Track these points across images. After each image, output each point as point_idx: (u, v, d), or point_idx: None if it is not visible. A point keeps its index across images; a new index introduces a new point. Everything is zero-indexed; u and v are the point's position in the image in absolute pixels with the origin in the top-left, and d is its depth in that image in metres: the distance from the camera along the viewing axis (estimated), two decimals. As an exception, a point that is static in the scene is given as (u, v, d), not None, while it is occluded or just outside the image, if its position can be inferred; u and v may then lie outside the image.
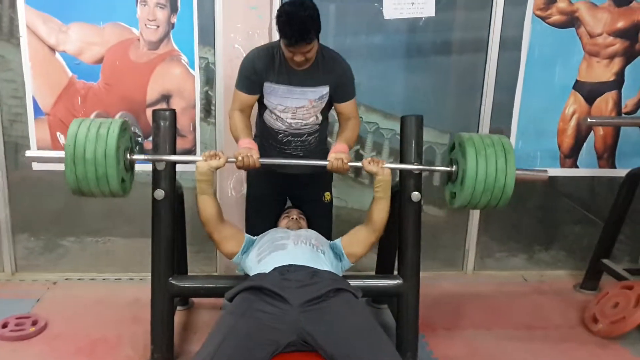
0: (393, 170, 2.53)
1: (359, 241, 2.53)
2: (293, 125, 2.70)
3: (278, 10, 2.41)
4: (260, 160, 2.52)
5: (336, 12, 3.44)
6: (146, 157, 2.54)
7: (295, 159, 2.76)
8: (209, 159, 2.42)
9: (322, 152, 2.81)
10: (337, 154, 2.52)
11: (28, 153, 2.59)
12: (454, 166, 2.54)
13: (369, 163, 2.48)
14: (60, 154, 2.33)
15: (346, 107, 2.71)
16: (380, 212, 2.51)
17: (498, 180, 2.37)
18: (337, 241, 2.56)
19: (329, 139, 3.08)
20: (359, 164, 2.52)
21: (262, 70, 2.60)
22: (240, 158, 2.48)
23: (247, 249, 2.48)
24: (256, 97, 2.67)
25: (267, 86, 2.62)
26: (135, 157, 2.48)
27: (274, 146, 2.77)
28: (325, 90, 2.64)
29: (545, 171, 2.58)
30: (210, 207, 2.45)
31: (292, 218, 2.74)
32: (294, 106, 2.65)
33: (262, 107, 2.74)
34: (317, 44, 2.50)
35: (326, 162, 2.53)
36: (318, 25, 2.42)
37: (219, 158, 2.43)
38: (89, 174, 2.29)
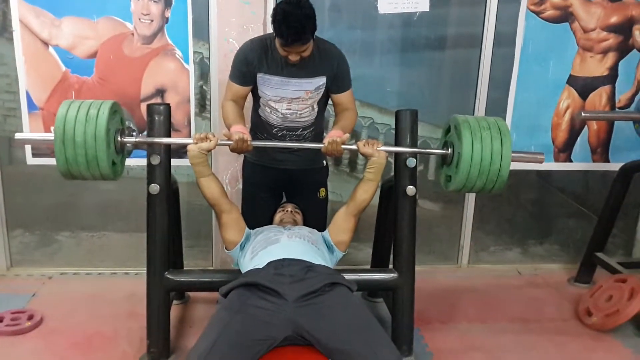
0: (387, 152, 2.51)
1: (341, 227, 2.51)
2: (288, 117, 2.69)
3: (274, 9, 2.39)
4: (253, 143, 2.50)
5: (331, 6, 3.43)
6: (137, 139, 2.49)
7: (290, 153, 2.75)
8: (200, 142, 2.40)
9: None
10: (332, 138, 2.51)
11: (17, 135, 2.51)
12: (449, 149, 2.51)
13: (364, 145, 2.46)
14: (50, 135, 2.29)
15: (343, 97, 2.71)
16: (365, 193, 2.48)
17: (494, 163, 2.34)
18: (325, 233, 2.55)
19: (324, 133, 3.08)
20: (353, 146, 2.50)
21: (255, 62, 2.59)
22: (234, 139, 2.46)
23: (244, 245, 2.47)
24: (249, 88, 2.67)
25: (260, 77, 2.62)
26: (126, 139, 2.43)
27: (269, 140, 2.77)
28: (321, 81, 2.64)
29: (541, 154, 2.55)
30: (214, 187, 2.44)
31: (287, 211, 2.73)
32: (289, 97, 2.64)
33: (257, 101, 2.73)
34: (312, 43, 2.49)
35: (321, 145, 2.52)
36: (314, 25, 2.40)
37: (210, 140, 2.41)
38: (79, 157, 2.25)
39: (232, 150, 2.51)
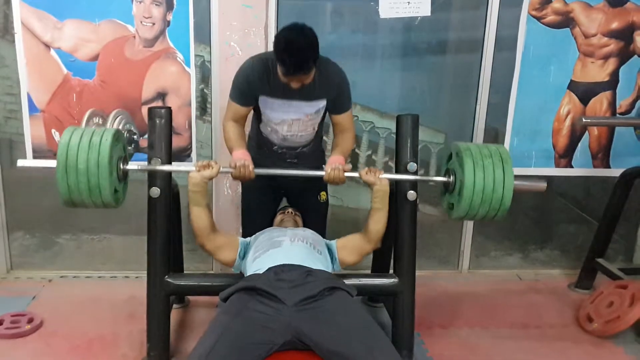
0: (389, 180, 2.51)
1: (353, 248, 2.51)
2: (288, 137, 2.69)
3: (276, 37, 2.35)
4: (255, 170, 2.51)
5: (332, 10, 3.44)
6: (139, 167, 2.50)
7: (290, 166, 2.75)
8: (202, 169, 2.39)
9: (317, 158, 2.84)
10: (334, 165, 2.52)
11: (20, 163, 2.52)
12: (451, 177, 2.50)
13: (366, 173, 2.47)
14: (52, 162, 2.29)
15: (342, 118, 2.68)
16: (377, 223, 2.48)
17: (496, 191, 2.33)
18: (333, 243, 2.54)
19: (324, 137, 3.08)
20: (355, 174, 2.50)
21: (257, 84, 2.55)
22: (236, 167, 2.47)
23: (245, 253, 2.47)
24: (250, 108, 2.64)
25: (262, 99, 2.59)
26: (129, 167, 2.45)
27: (269, 154, 2.77)
28: (322, 103, 2.62)
29: (544, 181, 2.54)
30: (203, 219, 2.41)
31: (288, 212, 2.74)
32: (290, 119, 2.63)
33: (258, 117, 2.72)
34: (314, 71, 2.44)
35: (322, 173, 2.52)
36: (317, 54, 2.35)
37: (212, 168, 2.40)
38: (81, 184, 2.26)
39: (235, 178, 2.51)
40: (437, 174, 3.75)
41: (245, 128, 2.72)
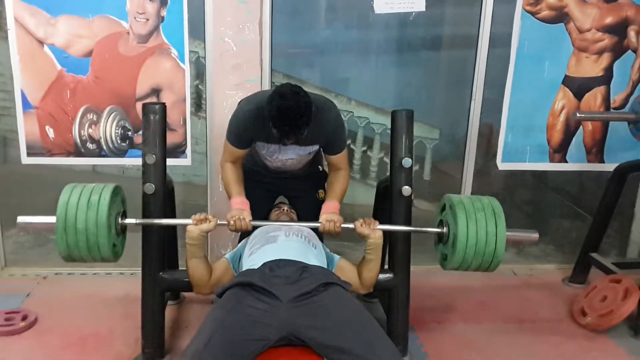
0: (385, 231, 2.49)
1: (350, 276, 2.44)
2: (282, 167, 2.73)
3: (269, 103, 2.29)
4: (253, 223, 2.51)
5: (327, 6, 3.43)
6: (137, 221, 2.51)
7: (286, 180, 2.80)
8: (199, 223, 2.38)
9: (314, 174, 2.86)
10: (329, 216, 2.53)
11: (20, 219, 2.47)
12: (444, 228, 2.51)
13: (361, 225, 2.46)
14: (52, 219, 2.31)
15: (337, 158, 2.67)
16: (371, 272, 2.47)
17: (489, 245, 2.36)
18: (336, 258, 2.50)
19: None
20: (351, 225, 2.49)
21: (253, 132, 2.55)
22: (232, 222, 2.48)
23: (239, 260, 2.45)
24: (247, 150, 2.64)
25: (258, 143, 2.61)
26: (127, 221, 2.46)
27: (264, 171, 2.80)
28: (315, 147, 2.64)
29: (535, 232, 2.56)
30: (201, 271, 2.38)
31: (283, 210, 2.74)
32: (284, 158, 2.66)
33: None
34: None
35: (318, 224, 2.53)
36: (310, 118, 2.32)
37: (209, 221, 2.39)
38: (80, 243, 2.30)
39: (232, 231, 2.53)
40: (432, 170, 3.79)
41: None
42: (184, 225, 2.40)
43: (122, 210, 2.48)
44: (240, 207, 2.54)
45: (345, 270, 2.45)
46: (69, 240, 2.30)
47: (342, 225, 2.52)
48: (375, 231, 2.44)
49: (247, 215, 2.51)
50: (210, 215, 2.41)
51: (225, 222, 2.49)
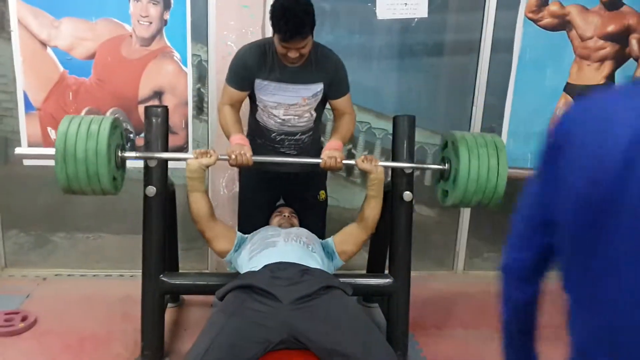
0: (386, 167, 2.55)
1: (350, 239, 2.54)
2: (286, 122, 2.68)
3: (272, 5, 2.38)
4: (253, 158, 2.51)
5: (330, 11, 3.44)
6: (137, 154, 2.53)
7: (288, 156, 2.76)
8: (200, 157, 2.42)
9: (316, 150, 2.80)
10: (331, 152, 2.53)
11: (17, 150, 2.53)
12: (446, 164, 2.54)
13: (363, 161, 2.50)
14: (50, 150, 2.30)
15: (341, 102, 2.70)
16: (373, 210, 2.52)
17: (490, 179, 2.38)
18: (329, 240, 2.56)
19: (322, 138, 3.08)
20: (352, 162, 2.53)
21: (253, 67, 2.57)
22: (233, 156, 2.48)
23: (239, 247, 2.48)
24: (246, 93, 2.66)
25: (258, 83, 2.60)
26: (127, 154, 2.47)
27: (267, 145, 2.76)
28: (319, 87, 2.63)
29: None
30: (202, 205, 2.45)
31: (285, 216, 2.74)
32: (287, 103, 2.63)
33: (254, 106, 2.73)
34: (311, 40, 2.47)
35: (319, 160, 2.53)
36: (313, 20, 2.39)
37: (210, 156, 2.43)
38: (80, 173, 2.27)
39: (232, 165, 2.52)
40: (433, 177, 3.79)
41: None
42: (185, 160, 2.44)
43: (122, 144, 2.46)
44: (240, 143, 2.53)
45: (343, 236, 2.53)
46: (68, 171, 2.26)
47: (344, 162, 2.53)
48: (377, 167, 2.47)
49: (247, 151, 2.50)
50: (211, 150, 2.45)
51: (226, 157, 2.49)
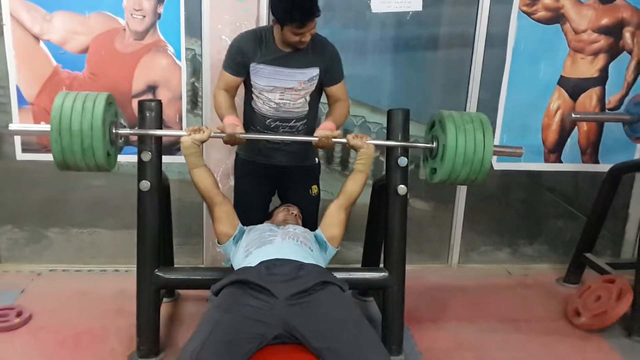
0: (376, 146, 2.59)
1: (334, 220, 2.52)
2: (281, 106, 2.70)
3: (274, 2, 2.44)
4: (245, 135, 2.54)
5: (324, 5, 3.42)
6: (131, 131, 2.54)
7: (283, 147, 2.77)
8: (193, 133, 2.43)
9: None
10: (323, 132, 2.57)
11: (11, 126, 2.50)
12: (434, 142, 2.58)
13: (353, 138, 2.53)
14: (45, 127, 2.29)
15: (336, 89, 2.74)
16: (356, 184, 2.53)
17: (477, 153, 2.44)
18: (318, 231, 2.55)
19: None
20: (343, 140, 2.56)
21: (249, 52, 2.61)
22: (228, 131, 2.50)
23: (238, 239, 2.47)
24: (241, 79, 2.69)
25: (253, 67, 2.63)
26: (121, 131, 2.46)
27: (262, 133, 2.78)
28: (315, 72, 2.65)
29: (520, 148, 2.67)
30: (206, 178, 2.46)
31: (293, 214, 2.71)
32: (283, 87, 2.66)
33: (250, 93, 2.74)
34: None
35: (313, 138, 2.57)
36: (317, 6, 2.45)
37: (203, 132, 2.44)
38: (75, 146, 2.26)
39: (226, 142, 2.54)
40: (423, 163, 3.80)
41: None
42: (178, 137, 2.46)
43: (116, 121, 2.46)
44: (233, 123, 2.56)
45: (325, 221, 2.53)
46: (63, 144, 2.25)
47: (335, 140, 2.57)
48: (367, 143, 2.52)
49: (240, 130, 2.53)
50: (204, 127, 2.47)
51: (219, 135, 2.51)
